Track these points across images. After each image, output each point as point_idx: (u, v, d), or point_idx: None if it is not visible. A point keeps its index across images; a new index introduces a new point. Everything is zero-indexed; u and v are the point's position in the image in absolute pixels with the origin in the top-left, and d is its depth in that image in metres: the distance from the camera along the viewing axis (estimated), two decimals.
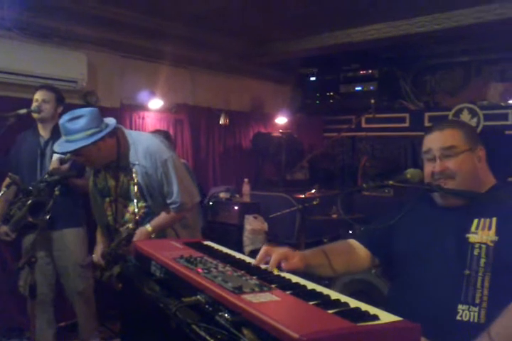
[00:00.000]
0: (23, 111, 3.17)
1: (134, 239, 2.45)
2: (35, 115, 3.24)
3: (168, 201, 2.59)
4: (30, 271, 2.42)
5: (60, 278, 3.37)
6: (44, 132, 3.31)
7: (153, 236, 2.54)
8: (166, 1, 3.96)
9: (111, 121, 2.54)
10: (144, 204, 2.57)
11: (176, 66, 5.08)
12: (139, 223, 2.48)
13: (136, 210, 2.41)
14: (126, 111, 4.67)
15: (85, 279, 3.35)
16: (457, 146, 1.60)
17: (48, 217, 2.67)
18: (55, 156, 3.02)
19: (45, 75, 3.86)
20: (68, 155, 2.81)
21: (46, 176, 2.62)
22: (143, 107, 4.77)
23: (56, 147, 2.51)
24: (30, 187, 2.61)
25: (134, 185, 2.42)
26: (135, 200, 2.40)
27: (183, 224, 2.67)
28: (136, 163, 2.50)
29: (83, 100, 4.25)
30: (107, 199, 2.66)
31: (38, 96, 3.25)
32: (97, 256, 2.78)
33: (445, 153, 1.61)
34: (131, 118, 4.72)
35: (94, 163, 2.57)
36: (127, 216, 2.61)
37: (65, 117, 2.40)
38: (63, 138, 2.44)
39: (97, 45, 4.38)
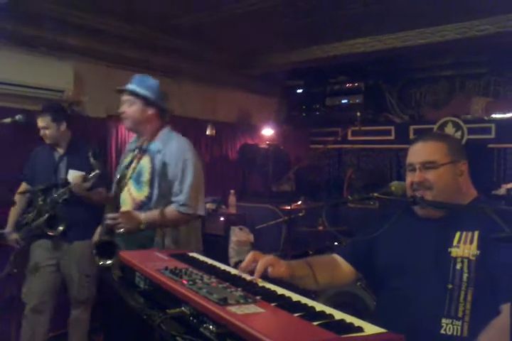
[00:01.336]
0: (8, 120, 3.15)
1: (120, 217, 2.40)
2: (46, 141, 3.33)
3: (174, 198, 2.52)
4: (7, 284, 2.41)
5: (67, 286, 3.39)
6: (60, 148, 3.38)
7: (142, 226, 2.44)
8: (154, 12, 3.99)
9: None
10: (146, 193, 2.52)
11: (164, 76, 5.09)
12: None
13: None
14: (113, 121, 4.65)
15: (89, 289, 3.37)
16: (437, 161, 1.62)
17: (61, 228, 3.07)
18: (78, 173, 3.14)
19: (31, 84, 3.84)
20: (93, 174, 2.92)
21: (65, 192, 3.02)
22: None
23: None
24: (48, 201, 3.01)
25: (149, 168, 2.51)
26: (142, 185, 2.50)
27: (174, 240, 2.57)
28: (163, 150, 2.55)
29: (69, 109, 4.23)
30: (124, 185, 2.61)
31: (39, 123, 3.31)
32: (96, 237, 2.72)
33: (426, 165, 1.63)
34: (118, 128, 4.70)
35: (130, 121, 2.61)
36: (128, 202, 2.56)
37: (139, 75, 2.67)
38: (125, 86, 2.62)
39: (84, 55, 4.37)
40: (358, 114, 5.18)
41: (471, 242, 1.51)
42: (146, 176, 2.51)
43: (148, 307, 1.29)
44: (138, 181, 2.54)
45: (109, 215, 2.39)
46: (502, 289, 1.41)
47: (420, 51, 4.79)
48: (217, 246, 4.93)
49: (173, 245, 2.54)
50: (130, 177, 2.56)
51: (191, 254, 1.77)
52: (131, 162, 2.61)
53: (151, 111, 2.61)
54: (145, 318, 1.23)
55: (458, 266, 1.49)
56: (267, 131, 6.20)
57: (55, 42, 4.07)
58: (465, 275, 1.47)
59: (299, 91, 6.58)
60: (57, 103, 3.63)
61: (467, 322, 1.45)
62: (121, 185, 2.52)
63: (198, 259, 1.68)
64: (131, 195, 2.56)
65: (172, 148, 2.57)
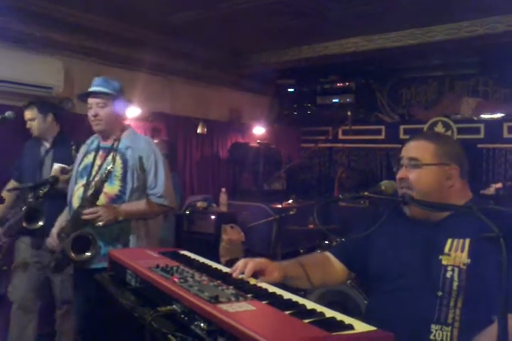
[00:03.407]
0: None
1: (100, 210, 2.42)
2: (33, 134, 3.31)
3: (149, 191, 2.59)
4: (2, 281, 2.39)
5: (50, 285, 3.34)
6: (46, 142, 3.36)
7: (120, 218, 2.49)
8: (146, 9, 3.97)
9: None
10: (119, 188, 2.55)
11: (155, 75, 5.08)
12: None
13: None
14: None
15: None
16: (421, 159, 1.61)
17: (41, 223, 2.95)
18: (57, 165, 3.10)
19: (20, 81, 3.81)
20: (71, 165, 2.90)
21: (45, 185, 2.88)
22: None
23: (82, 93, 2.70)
24: (29, 195, 2.88)
25: (120, 164, 2.53)
26: (114, 180, 2.51)
27: (146, 232, 2.63)
28: (132, 145, 2.59)
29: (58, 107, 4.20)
30: (81, 182, 2.62)
31: (26, 116, 3.31)
32: (52, 237, 2.67)
33: (411, 163, 1.63)
34: None
35: (100, 121, 2.61)
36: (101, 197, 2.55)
37: (101, 77, 2.67)
38: (89, 89, 2.63)
39: (75, 52, 4.35)
40: (349, 113, 5.21)
41: (462, 250, 1.50)
42: (118, 171, 2.54)
43: (139, 305, 1.29)
44: (110, 176, 2.55)
45: (88, 210, 2.42)
46: (494, 298, 1.37)
47: (410, 51, 4.82)
48: (208, 245, 4.93)
49: (146, 238, 2.60)
50: (97, 175, 2.58)
51: (182, 252, 1.78)
52: (93, 161, 2.63)
53: (120, 114, 2.67)
54: (136, 316, 1.23)
55: (448, 275, 1.48)
56: (258, 130, 6.21)
57: (45, 38, 4.04)
58: (455, 284, 1.46)
59: (291, 90, 6.59)
60: (45, 98, 3.63)
61: (457, 328, 1.44)
62: (84, 187, 2.56)
63: (189, 257, 1.68)
64: (106, 193, 2.56)
65: (141, 143, 2.63)
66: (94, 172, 2.58)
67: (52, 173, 3.05)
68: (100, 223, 2.42)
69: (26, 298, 3.21)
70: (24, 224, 2.99)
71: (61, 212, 3.04)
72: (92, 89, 2.61)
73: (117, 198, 2.55)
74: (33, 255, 3.25)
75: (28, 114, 3.30)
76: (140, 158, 2.57)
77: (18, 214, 3.05)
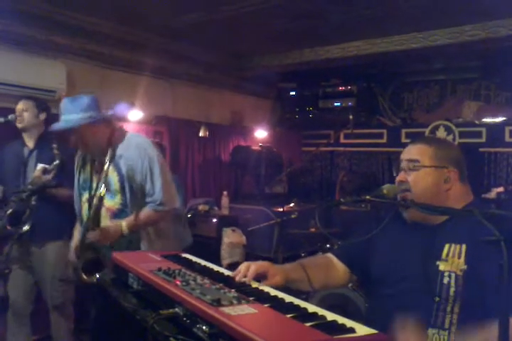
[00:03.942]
0: (0, 120, 3.13)
1: (100, 234, 2.39)
2: (18, 125, 3.19)
3: (148, 199, 2.54)
4: (3, 284, 2.37)
5: (41, 290, 3.29)
6: (29, 142, 3.24)
7: (125, 234, 2.47)
8: (149, 13, 3.99)
9: (110, 112, 2.62)
10: (120, 201, 2.52)
11: (157, 78, 5.09)
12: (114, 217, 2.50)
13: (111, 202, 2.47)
14: None
15: (64, 293, 3.25)
16: (420, 161, 1.63)
17: (27, 227, 2.85)
18: (40, 166, 3.00)
19: (22, 84, 3.81)
20: (52, 165, 2.85)
21: (29, 186, 2.72)
22: (122, 118, 4.74)
23: (52, 126, 2.54)
24: (13, 197, 2.72)
25: (116, 176, 2.48)
26: (113, 194, 2.48)
27: (157, 235, 2.61)
28: (124, 154, 2.51)
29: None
30: (85, 196, 2.61)
31: (18, 107, 3.21)
32: (71, 253, 2.68)
33: (410, 165, 1.64)
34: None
35: (85, 146, 2.54)
36: (103, 212, 2.52)
37: (67, 99, 2.49)
38: (61, 119, 2.46)
39: (77, 56, 4.35)
40: (351, 116, 5.21)
41: (459, 256, 1.50)
42: (115, 184, 2.50)
43: (141, 308, 1.29)
44: (109, 190, 2.51)
45: (89, 235, 2.39)
46: (491, 304, 1.38)
47: (412, 55, 4.83)
48: (209, 248, 4.93)
49: (158, 239, 2.59)
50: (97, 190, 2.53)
51: (184, 255, 1.78)
52: (91, 174, 2.60)
53: (103, 127, 2.53)
54: (138, 319, 1.23)
55: (445, 280, 1.49)
56: (260, 133, 6.22)
57: (48, 41, 4.05)
58: (452, 290, 1.47)
59: (293, 93, 6.60)
60: (47, 101, 3.57)
61: (453, 332, 1.45)
62: (90, 201, 2.53)
63: (191, 260, 1.69)
64: (103, 205, 2.52)
65: (132, 150, 2.53)
66: (94, 185, 2.56)
67: (35, 174, 2.97)
68: (107, 244, 2.41)
69: (17, 303, 3.16)
70: (8, 227, 2.87)
71: (49, 216, 3.05)
72: (62, 120, 2.45)
73: (119, 212, 2.53)
74: (21, 260, 3.16)
75: (23, 104, 3.19)
76: (132, 169, 2.50)
77: (4, 217, 2.90)
